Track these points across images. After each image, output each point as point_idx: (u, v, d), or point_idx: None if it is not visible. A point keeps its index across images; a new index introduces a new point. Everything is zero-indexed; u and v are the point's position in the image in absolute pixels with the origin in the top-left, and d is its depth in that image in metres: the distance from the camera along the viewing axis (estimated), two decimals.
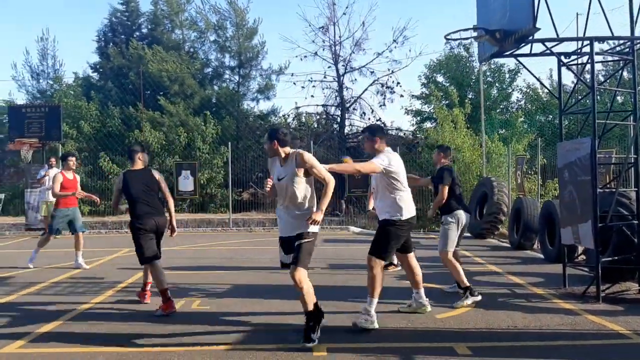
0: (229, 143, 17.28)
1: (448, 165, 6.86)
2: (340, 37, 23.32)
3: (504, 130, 20.35)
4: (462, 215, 6.47)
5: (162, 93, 21.39)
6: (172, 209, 6.44)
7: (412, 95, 24.38)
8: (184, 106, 21.03)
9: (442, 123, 17.14)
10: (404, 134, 23.58)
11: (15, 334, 5.04)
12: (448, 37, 7.51)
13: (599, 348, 4.57)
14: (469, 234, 13.39)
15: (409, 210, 5.42)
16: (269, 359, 4.31)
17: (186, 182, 15.25)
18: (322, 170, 4.77)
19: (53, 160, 12.99)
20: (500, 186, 12.66)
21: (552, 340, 4.78)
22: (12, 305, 6.27)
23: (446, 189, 6.42)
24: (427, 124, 23.30)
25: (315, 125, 23.87)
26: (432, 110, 23.23)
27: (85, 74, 24.21)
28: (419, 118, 24.47)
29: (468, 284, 6.19)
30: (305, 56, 23.36)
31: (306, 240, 4.74)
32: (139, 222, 5.97)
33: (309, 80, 23.20)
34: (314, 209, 4.80)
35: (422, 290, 5.77)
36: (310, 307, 4.71)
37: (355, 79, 27.13)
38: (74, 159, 9.06)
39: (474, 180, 15.96)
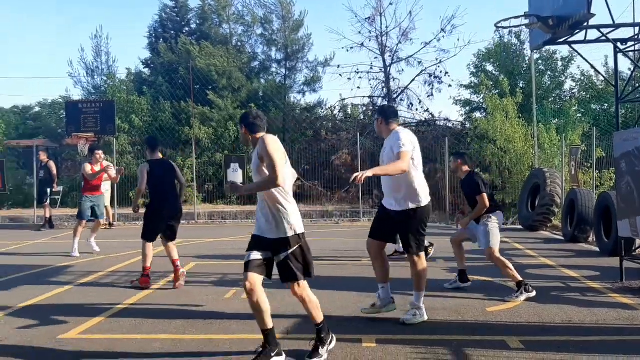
0: (276, 135, 17.41)
1: (475, 172, 6.62)
2: (387, 27, 23.17)
3: (556, 119, 19.77)
4: (500, 214, 6.36)
5: (210, 87, 21.76)
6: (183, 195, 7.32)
7: (461, 85, 23.99)
8: (232, 100, 21.34)
9: (492, 113, 16.77)
10: (453, 124, 23.24)
11: (73, 321, 5.27)
12: (498, 25, 7.36)
13: None
14: (520, 227, 13.13)
15: (426, 194, 5.09)
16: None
17: (235, 175, 15.47)
18: (274, 164, 3.94)
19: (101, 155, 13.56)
20: (553, 177, 12.32)
21: (609, 336, 4.65)
22: (70, 294, 6.55)
23: (485, 197, 6.13)
24: (477, 114, 22.87)
25: (362, 117, 23.79)
26: (481, 100, 22.78)
27: (137, 70, 24.92)
28: (467, 108, 24.06)
29: (521, 279, 6.02)
30: (352, 47, 23.39)
31: (291, 250, 4.07)
32: (159, 205, 6.71)
33: (355, 71, 23.14)
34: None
35: (388, 285, 5.23)
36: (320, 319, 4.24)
37: (402, 70, 26.95)
38: (100, 152, 9.91)
39: (526, 171, 15.59)
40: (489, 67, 23.57)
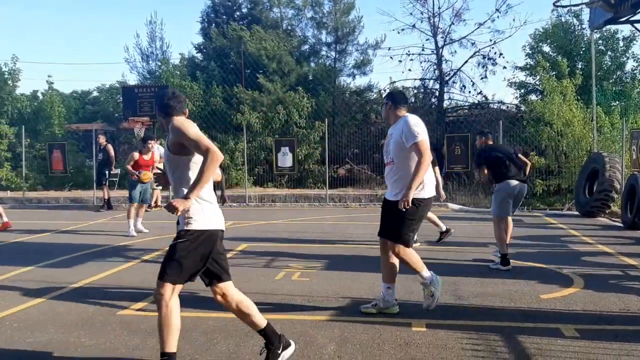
0: (325, 119, 17.44)
1: (482, 147, 7.34)
2: (439, 8, 22.69)
3: (617, 102, 18.94)
4: (510, 183, 6.79)
5: (260, 71, 21.92)
6: None
7: (516, 67, 23.26)
8: (281, 84, 21.44)
9: (550, 95, 16.21)
10: (507, 107, 22.63)
11: (132, 298, 5.48)
12: (557, 4, 7.15)
13: None
14: (576, 213, 12.72)
15: (430, 187, 4.76)
16: (368, 331, 4.37)
17: (285, 159, 15.60)
18: (198, 137, 3.41)
19: (154, 138, 14.08)
20: (613, 162, 11.86)
21: None
22: (129, 272, 6.80)
23: (481, 170, 6.96)
24: (532, 97, 22.16)
25: (413, 100, 23.47)
26: (537, 82, 22.04)
27: (190, 55, 25.32)
28: (522, 90, 23.34)
29: (506, 252, 6.52)
30: (403, 29, 22.97)
31: (180, 240, 3.52)
32: None
33: (406, 53, 22.80)
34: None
35: (394, 286, 4.94)
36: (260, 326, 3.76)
37: (455, 51, 26.38)
38: (152, 142, 10.40)
39: (584, 156, 15.06)
40: (546, 48, 22.74)
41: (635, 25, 7.60)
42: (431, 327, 4.46)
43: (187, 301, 5.31)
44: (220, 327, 4.54)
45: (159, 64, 24.40)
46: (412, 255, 4.71)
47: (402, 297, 5.42)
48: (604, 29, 20.15)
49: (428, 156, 4.53)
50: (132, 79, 26.87)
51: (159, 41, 25.78)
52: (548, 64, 19.28)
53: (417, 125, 4.58)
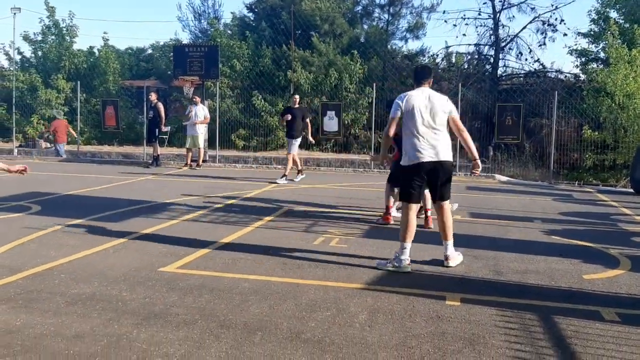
0: (374, 84, 17.18)
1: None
2: None
3: None
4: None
5: (312, 32, 21.69)
6: None
7: (579, 33, 22.18)
8: (333, 45, 21.17)
9: (615, 64, 15.39)
10: (565, 76, 21.72)
11: (174, 255, 5.64)
12: None
13: None
14: (631, 190, 12.21)
15: (409, 156, 5.31)
16: (401, 302, 4.37)
17: (331, 123, 15.53)
18: None
19: (197, 98, 14.69)
20: None
21: None
22: (173, 229, 6.98)
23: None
24: (594, 65, 21.15)
25: (466, 66, 22.80)
26: (600, 50, 21.00)
27: (241, 14, 25.27)
28: (584, 59, 22.28)
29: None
30: None
31: None
32: None
33: (461, 17, 22.13)
34: None
35: (449, 242, 5.46)
36: None
37: (513, 16, 25.41)
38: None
39: None
40: (613, 14, 21.53)
41: None
42: (465, 302, 4.41)
43: (224, 262, 5.44)
44: (256, 289, 4.61)
45: (210, 23, 24.47)
46: (405, 216, 5.37)
47: (437, 269, 5.38)
48: None
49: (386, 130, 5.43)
50: (185, 38, 27.13)
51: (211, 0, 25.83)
52: (617, 30, 18.25)
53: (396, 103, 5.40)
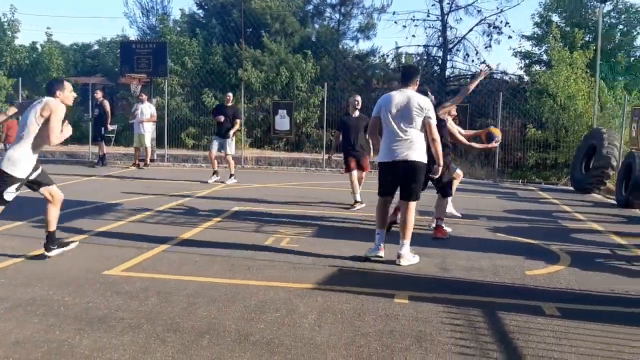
0: (325, 83, 17.24)
1: None
2: None
3: (622, 77, 18.70)
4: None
5: (263, 31, 21.56)
6: None
7: (522, 36, 22.90)
8: (284, 45, 21.11)
9: (557, 66, 15.94)
10: (510, 78, 22.39)
11: (119, 258, 5.49)
12: None
13: None
14: (571, 188, 12.69)
15: (380, 154, 5.64)
16: (351, 302, 4.39)
17: (282, 122, 15.50)
18: None
19: (144, 96, 14.43)
20: (611, 138, 11.77)
21: None
22: (119, 231, 6.80)
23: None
24: (536, 67, 21.88)
25: None
26: (542, 53, 21.73)
27: (190, 11, 24.86)
28: (527, 61, 23.02)
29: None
30: None
31: None
32: None
33: (411, 19, 22.45)
34: None
35: (405, 241, 5.56)
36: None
37: (460, 18, 25.98)
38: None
39: (584, 131, 14.94)
40: (555, 18, 22.34)
41: None
42: (414, 300, 4.47)
43: (171, 264, 5.33)
44: (204, 291, 4.55)
45: (159, 19, 23.98)
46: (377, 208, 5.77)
47: (388, 267, 5.44)
48: (618, 1, 19.79)
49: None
50: (132, 34, 26.46)
51: None
52: (559, 34, 18.92)
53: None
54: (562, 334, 3.85)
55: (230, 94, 12.20)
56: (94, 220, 7.34)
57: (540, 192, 12.03)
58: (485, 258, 5.89)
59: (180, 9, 30.93)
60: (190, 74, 20.63)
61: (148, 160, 14.44)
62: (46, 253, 5.44)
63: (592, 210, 9.61)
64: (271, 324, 3.89)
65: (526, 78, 21.66)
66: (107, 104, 14.65)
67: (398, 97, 5.52)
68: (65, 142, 19.63)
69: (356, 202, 8.91)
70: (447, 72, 22.99)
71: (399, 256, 5.53)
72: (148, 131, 14.16)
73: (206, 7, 24.59)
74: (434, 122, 5.53)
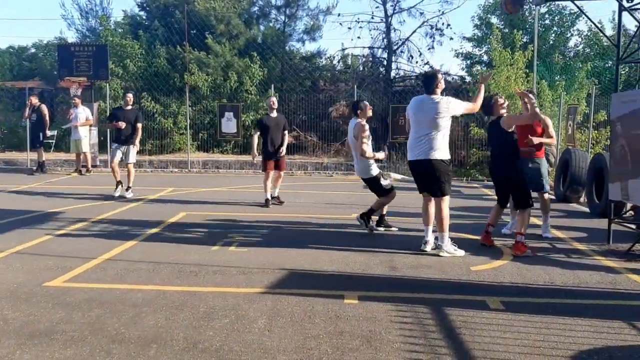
0: (272, 85, 17.20)
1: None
2: None
3: (559, 77, 19.44)
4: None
5: (208, 33, 21.28)
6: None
7: (464, 37, 23.50)
8: (230, 47, 20.90)
9: (498, 67, 16.41)
10: (452, 78, 22.92)
11: (61, 268, 5.30)
12: None
13: (639, 309, 4.45)
14: None
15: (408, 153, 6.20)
16: (300, 304, 4.38)
17: (229, 124, 15.34)
18: None
19: (77, 100, 14.12)
20: None
21: (590, 299, 4.68)
22: (60, 240, 6.56)
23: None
24: (478, 68, 22.49)
25: (361, 69, 23.42)
26: (483, 54, 22.35)
27: (132, 13, 24.26)
28: (469, 62, 23.64)
29: None
30: None
31: None
32: None
33: (355, 21, 22.67)
34: None
35: (444, 233, 6.07)
36: None
37: (404, 20, 26.42)
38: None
39: None
40: (494, 20, 23.03)
41: (577, 2, 7.70)
42: (363, 300, 4.51)
43: (115, 274, 5.19)
44: (150, 300, 4.44)
45: (99, 21, 23.30)
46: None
47: (338, 267, 5.47)
48: (554, 3, 20.56)
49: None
50: (71, 36, 25.63)
51: None
52: (500, 35, 19.46)
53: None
54: (506, 327, 3.96)
55: (131, 95, 10.48)
56: (34, 230, 7.05)
57: (484, 189, 12.36)
58: (431, 255, 6.00)
59: (122, 10, 30.17)
60: (133, 77, 20.13)
61: (89, 166, 14.01)
62: None
63: None
64: (220, 331, 3.83)
65: (468, 78, 22.22)
66: (44, 108, 14.13)
67: (415, 101, 6.17)
68: (2, 149, 18.83)
69: (267, 200, 9.33)
70: (393, 73, 23.32)
71: (439, 247, 6.03)
72: (84, 136, 13.75)
73: (148, 8, 24.05)
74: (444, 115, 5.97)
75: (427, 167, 5.97)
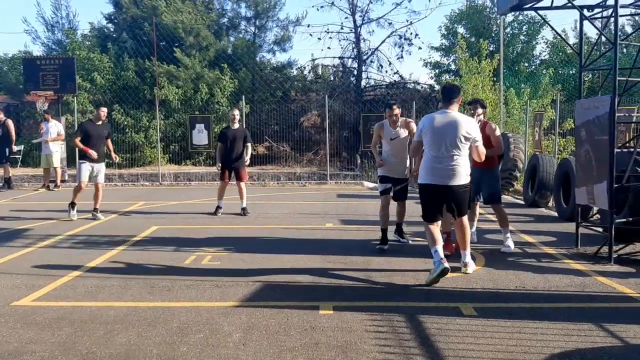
0: (242, 96, 17.17)
1: None
2: None
3: (524, 84, 19.86)
4: None
5: (177, 45, 21.15)
6: None
7: (432, 47, 23.85)
8: (200, 58, 20.80)
9: (465, 75, 16.67)
10: (421, 87, 23.21)
11: (29, 287, 5.18)
12: None
13: (607, 311, 4.55)
14: None
15: (422, 174, 5.51)
16: (275, 317, 4.36)
17: (200, 136, 15.25)
18: None
19: (48, 114, 14.03)
20: (517, 142, 12.44)
21: (560, 302, 4.76)
22: (27, 258, 6.41)
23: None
24: (446, 77, 22.83)
25: (332, 78, 23.54)
26: (451, 63, 22.71)
27: (99, 25, 23.98)
28: (437, 71, 23.98)
29: None
30: (322, 6, 22.84)
31: None
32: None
33: (325, 31, 22.77)
34: None
35: (463, 252, 5.67)
36: None
37: (373, 31, 26.71)
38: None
39: None
40: (461, 29, 23.45)
41: (540, 12, 7.90)
42: (338, 310, 4.51)
43: (86, 291, 5.09)
44: (122, 317, 4.36)
45: (66, 34, 22.96)
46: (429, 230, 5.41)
47: (314, 279, 5.46)
48: (519, 12, 20.99)
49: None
50: (37, 49, 25.13)
51: (64, 10, 24.27)
52: (465, 45, 19.81)
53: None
54: (479, 333, 4.01)
55: (105, 110, 9.40)
56: (0, 248, 6.87)
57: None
58: (405, 262, 6.04)
59: (89, 23, 29.70)
60: (101, 90, 19.86)
61: (59, 182, 13.75)
62: None
63: None
64: (194, 346, 3.79)
65: (437, 87, 22.53)
66: (10, 123, 13.86)
67: (440, 118, 5.42)
68: None
69: (218, 208, 9.63)
70: (363, 83, 23.50)
71: (465, 265, 5.65)
72: (56, 151, 13.56)
73: (116, 20, 23.80)
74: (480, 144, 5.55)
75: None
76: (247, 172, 10.03)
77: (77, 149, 10.22)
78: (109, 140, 9.51)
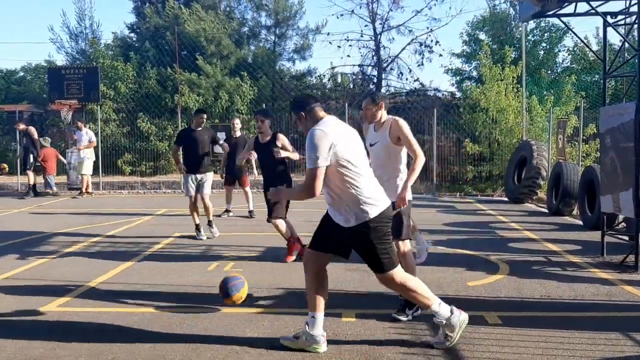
0: (264, 104, 17.26)
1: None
2: None
3: (547, 92, 19.67)
4: None
5: (198, 54, 21.38)
6: None
7: (453, 54, 23.74)
8: (221, 67, 21.00)
9: (488, 82, 16.56)
10: (442, 94, 23.12)
11: (56, 293, 5.24)
12: None
13: (634, 320, 4.47)
14: (506, 199, 13.16)
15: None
16: (298, 323, 4.35)
17: (221, 145, 15.34)
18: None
19: (80, 123, 14.36)
20: (540, 150, 12.32)
21: (586, 311, 4.69)
22: (54, 264, 6.51)
23: None
24: (467, 83, 22.70)
25: (351, 86, 23.58)
26: (472, 70, 22.57)
27: (122, 35, 24.36)
28: (458, 77, 23.85)
29: None
30: (342, 14, 22.96)
31: None
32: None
33: (345, 39, 22.85)
34: None
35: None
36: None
37: (393, 38, 26.78)
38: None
39: (516, 144, 15.58)
40: (482, 36, 23.31)
41: (563, 18, 7.84)
42: (360, 317, 4.50)
43: (112, 297, 5.14)
44: (146, 323, 4.40)
45: (89, 43, 23.36)
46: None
47: (334, 286, 5.42)
48: (541, 19, 20.84)
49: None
50: (60, 59, 25.64)
51: (88, 20, 24.70)
52: (489, 51, 19.68)
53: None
54: (504, 342, 3.96)
55: (204, 115, 8.57)
56: (29, 255, 6.99)
57: (478, 204, 12.41)
58: (427, 271, 5.99)
59: (112, 32, 30.23)
60: (124, 98, 20.15)
61: (84, 189, 13.98)
62: None
63: (526, 220, 10.00)
64: (218, 352, 3.81)
65: (458, 94, 22.43)
66: (34, 131, 14.14)
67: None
68: None
69: (226, 211, 10.64)
70: (383, 90, 23.47)
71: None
72: (88, 158, 13.89)
73: (138, 30, 24.17)
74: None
75: None
76: (248, 179, 10.93)
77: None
78: (218, 145, 8.85)
